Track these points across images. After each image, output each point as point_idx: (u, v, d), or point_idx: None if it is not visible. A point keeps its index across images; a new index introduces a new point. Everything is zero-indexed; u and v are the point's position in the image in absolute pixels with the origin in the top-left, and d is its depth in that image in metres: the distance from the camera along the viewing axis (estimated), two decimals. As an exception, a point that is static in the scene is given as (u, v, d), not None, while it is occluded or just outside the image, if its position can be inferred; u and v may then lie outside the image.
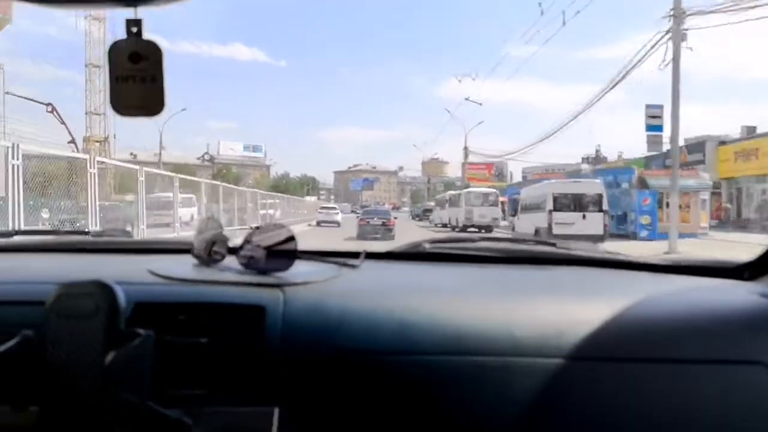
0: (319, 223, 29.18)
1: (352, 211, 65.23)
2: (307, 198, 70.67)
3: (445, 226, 28.70)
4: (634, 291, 0.86)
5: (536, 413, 0.70)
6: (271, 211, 26.19)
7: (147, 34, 0.64)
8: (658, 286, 0.93)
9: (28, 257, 1.15)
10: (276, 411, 0.71)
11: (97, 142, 41.38)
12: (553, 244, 1.21)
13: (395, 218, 20.24)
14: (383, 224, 18.66)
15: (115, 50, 0.65)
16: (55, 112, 39.30)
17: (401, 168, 62.97)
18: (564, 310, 0.79)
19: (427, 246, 1.15)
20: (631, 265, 1.10)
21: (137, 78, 0.65)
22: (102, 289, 0.61)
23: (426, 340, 0.74)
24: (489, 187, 31.40)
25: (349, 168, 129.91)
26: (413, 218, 51.82)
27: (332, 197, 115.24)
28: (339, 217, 30.58)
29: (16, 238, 1.30)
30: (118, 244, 1.27)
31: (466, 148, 38.56)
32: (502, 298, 0.85)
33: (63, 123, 39.78)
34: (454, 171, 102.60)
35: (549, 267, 1.08)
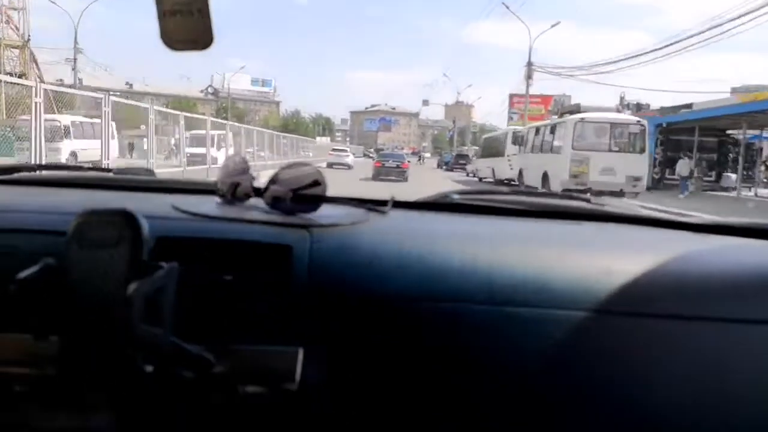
0: (329, 165, 27.79)
1: (365, 155, 57.72)
2: (319, 139, 65.41)
3: (505, 183, 18.48)
4: (668, 248, 0.83)
5: (567, 365, 0.70)
6: (215, 151, 16.69)
7: None
8: (697, 245, 0.91)
9: (51, 191, 1.13)
10: (300, 351, 0.70)
11: (14, 48, 31.14)
12: (587, 200, 1.18)
13: (408, 162, 21.89)
14: (397, 167, 19.81)
15: None
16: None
17: (426, 102, 52.94)
18: (597, 264, 0.77)
19: (456, 197, 1.12)
20: (667, 223, 1.06)
21: (185, 11, 0.65)
22: (125, 219, 0.60)
23: (456, 287, 0.73)
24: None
25: (367, 108, 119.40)
26: (439, 167, 41.98)
27: (348, 139, 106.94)
28: (350, 160, 30.01)
29: (40, 172, 1.32)
30: (140, 182, 1.24)
31: (530, 64, 26.99)
32: (533, 249, 0.82)
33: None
34: (481, 117, 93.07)
35: (582, 222, 1.04)
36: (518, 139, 16.96)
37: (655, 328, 0.71)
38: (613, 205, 1.17)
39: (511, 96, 36.09)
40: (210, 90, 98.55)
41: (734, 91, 23.14)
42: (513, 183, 17.31)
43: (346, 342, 0.71)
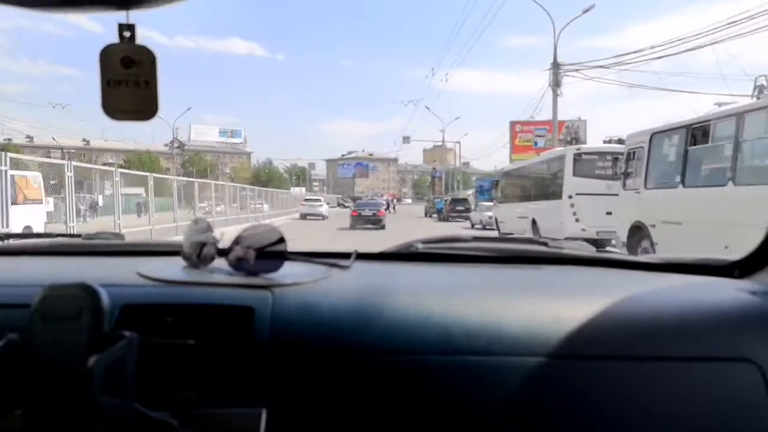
0: (303, 216, 28.24)
1: (339, 204, 54.16)
2: (294, 189, 60.71)
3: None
4: (623, 289, 0.86)
5: (524, 412, 0.71)
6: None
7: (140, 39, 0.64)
8: (648, 284, 0.94)
9: (18, 260, 1.15)
10: (264, 412, 0.71)
11: None
12: (545, 243, 1.22)
13: (386, 210, 23.19)
14: (374, 215, 20.93)
15: (106, 54, 0.64)
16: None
17: (407, 139, 47.26)
18: (553, 309, 0.79)
19: (420, 246, 1.15)
20: (622, 263, 1.11)
21: (130, 82, 0.64)
22: (86, 291, 0.62)
23: (415, 339, 0.75)
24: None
25: (343, 155, 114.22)
26: (427, 215, 35.18)
27: (324, 188, 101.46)
28: (323, 210, 29.34)
29: (7, 242, 1.31)
30: (107, 246, 1.27)
31: (556, 66, 18.66)
32: (491, 297, 0.85)
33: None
34: (464, 161, 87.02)
35: (540, 266, 1.08)
36: (594, 166, 9.73)
37: (608, 370, 0.72)
38: (571, 247, 1.19)
39: (513, 124, 29.85)
40: (176, 144, 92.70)
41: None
42: (605, 246, 9.07)
43: (307, 400, 0.72)
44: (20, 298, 0.73)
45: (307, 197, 37.24)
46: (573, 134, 28.09)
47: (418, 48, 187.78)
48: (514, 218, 14.13)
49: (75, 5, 0.59)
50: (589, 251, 1.19)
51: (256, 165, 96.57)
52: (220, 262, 0.93)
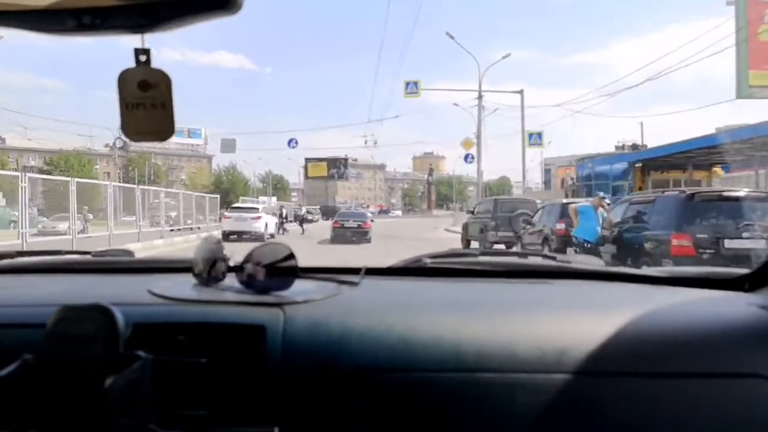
0: (227, 236, 17.20)
1: (297, 217, 30.86)
2: (263, 198, 54.30)
3: None
4: (633, 304, 0.86)
5: (537, 430, 0.71)
6: None
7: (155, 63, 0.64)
8: (658, 299, 0.93)
9: (30, 278, 1.15)
10: (276, 431, 0.71)
11: None
12: (554, 257, 1.19)
13: (372, 221, 19.53)
14: (359, 227, 18.21)
15: (124, 78, 0.65)
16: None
17: (412, 85, 25.19)
18: (563, 325, 0.79)
19: (428, 261, 1.14)
20: (631, 277, 1.09)
21: (147, 105, 0.66)
22: (101, 313, 0.63)
23: (426, 357, 0.75)
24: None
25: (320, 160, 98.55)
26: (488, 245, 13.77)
27: (304, 198, 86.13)
28: (261, 225, 18.55)
29: (18, 259, 1.32)
30: (118, 263, 1.27)
31: None
32: (501, 313, 0.85)
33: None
34: (456, 167, 72.24)
35: (549, 281, 1.07)
36: None
37: (619, 387, 0.72)
38: (578, 261, 1.18)
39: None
40: (118, 144, 76.86)
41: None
42: None
43: (319, 419, 0.72)
44: (35, 318, 0.73)
45: (236, 205, 23.80)
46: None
47: (409, 58, 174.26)
48: None
49: (90, 30, 0.59)
50: (598, 265, 1.15)
51: (217, 170, 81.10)
52: (230, 280, 0.92)
